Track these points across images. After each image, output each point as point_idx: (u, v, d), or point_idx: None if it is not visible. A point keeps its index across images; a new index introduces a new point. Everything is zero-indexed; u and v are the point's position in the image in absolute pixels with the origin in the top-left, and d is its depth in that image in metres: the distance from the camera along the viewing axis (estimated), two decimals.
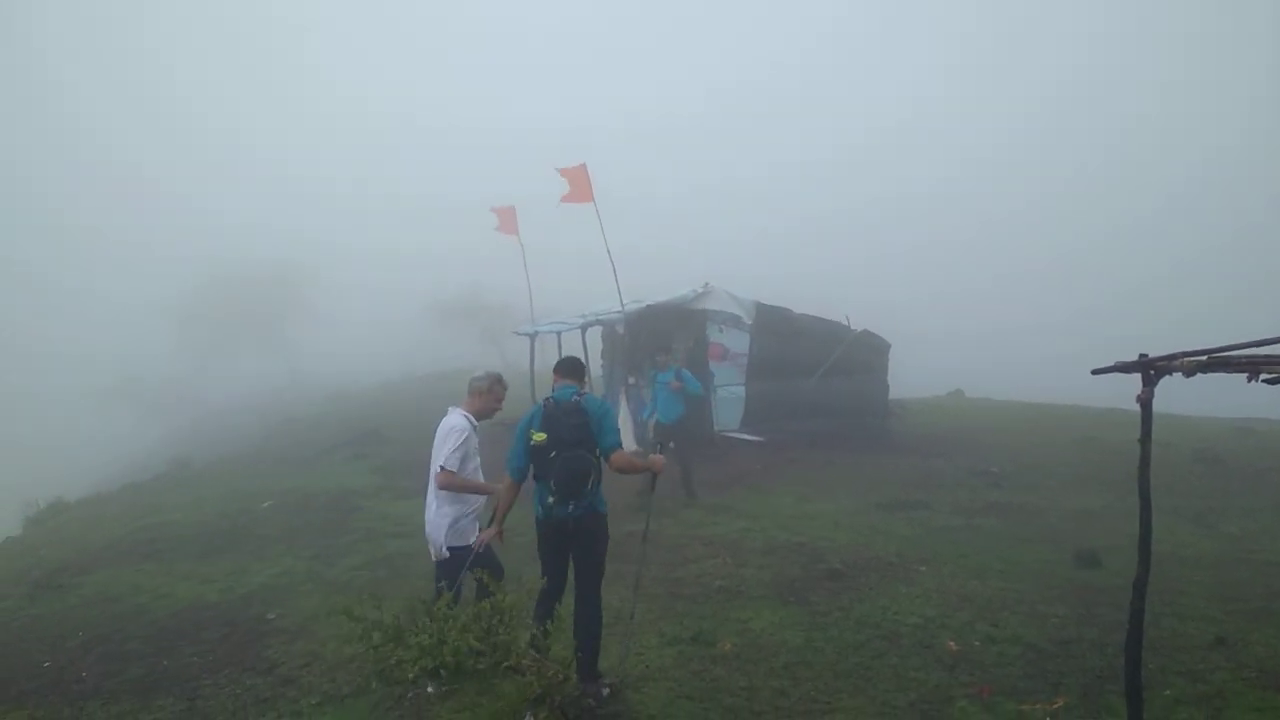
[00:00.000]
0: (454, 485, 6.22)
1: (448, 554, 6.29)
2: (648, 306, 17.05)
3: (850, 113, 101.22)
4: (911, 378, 22.00)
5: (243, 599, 9.55)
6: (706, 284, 17.02)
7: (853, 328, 17.84)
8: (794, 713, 5.50)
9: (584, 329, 18.64)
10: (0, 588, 12.20)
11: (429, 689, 4.75)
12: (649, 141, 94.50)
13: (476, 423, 6.47)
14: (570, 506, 5.57)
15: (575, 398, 5.82)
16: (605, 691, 5.56)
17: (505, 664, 4.68)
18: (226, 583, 10.26)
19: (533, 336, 20.39)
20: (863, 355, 17.77)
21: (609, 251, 16.20)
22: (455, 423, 6.37)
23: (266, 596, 9.52)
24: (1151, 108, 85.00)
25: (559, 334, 19.61)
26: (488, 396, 6.58)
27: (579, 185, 16.78)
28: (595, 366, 18.28)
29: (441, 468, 6.19)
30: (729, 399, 17.17)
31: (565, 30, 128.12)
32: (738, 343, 17.74)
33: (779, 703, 5.65)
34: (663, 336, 16.83)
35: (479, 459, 6.48)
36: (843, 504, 12.34)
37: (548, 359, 22.59)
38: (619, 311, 17.08)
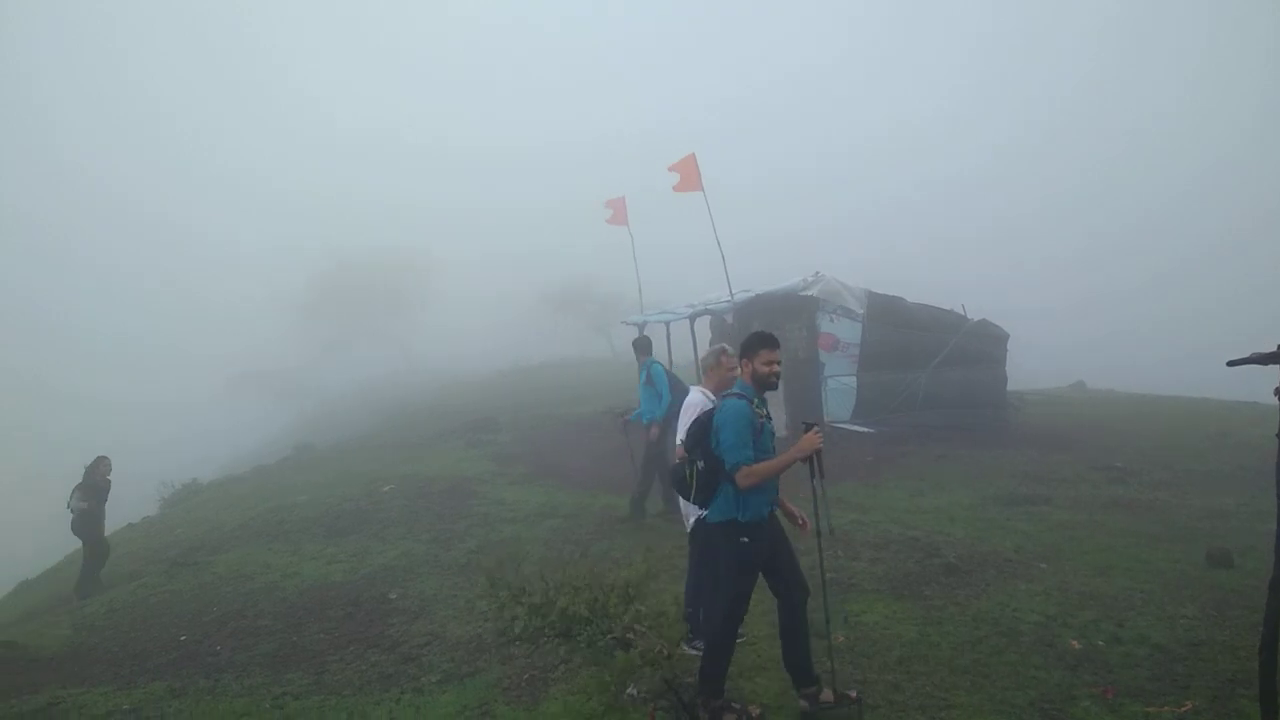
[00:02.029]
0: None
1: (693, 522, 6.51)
2: (757, 296, 16.97)
3: (876, 110, 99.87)
4: (1031, 369, 21.35)
5: (366, 579, 9.91)
6: (817, 272, 16.83)
7: (969, 317, 17.40)
8: (909, 708, 5.43)
9: (693, 319, 18.61)
10: (140, 565, 12.96)
11: (630, 691, 4.79)
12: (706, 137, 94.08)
13: (714, 397, 6.52)
14: (700, 512, 5.44)
15: (719, 400, 5.44)
16: (726, 717, 5.16)
17: (611, 635, 4.73)
18: (350, 563, 10.66)
19: (641, 326, 20.42)
20: (979, 345, 17.32)
21: (718, 240, 16.22)
22: (691, 399, 6.70)
23: (388, 577, 9.86)
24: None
25: (668, 324, 19.64)
26: (718, 369, 6.70)
27: (688, 175, 16.89)
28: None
29: (680, 443, 6.50)
30: (840, 390, 16.94)
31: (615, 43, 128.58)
32: (849, 333, 17.46)
33: (893, 697, 5.58)
34: (773, 326, 16.73)
35: None
36: (958, 498, 12.07)
37: (656, 349, 22.79)
38: (728, 301, 17.05)
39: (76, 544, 18.19)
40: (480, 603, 4.94)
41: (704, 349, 18.39)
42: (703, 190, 16.69)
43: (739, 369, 6.78)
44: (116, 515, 19.11)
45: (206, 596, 10.19)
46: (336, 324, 45.96)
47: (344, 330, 46.30)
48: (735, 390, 5.30)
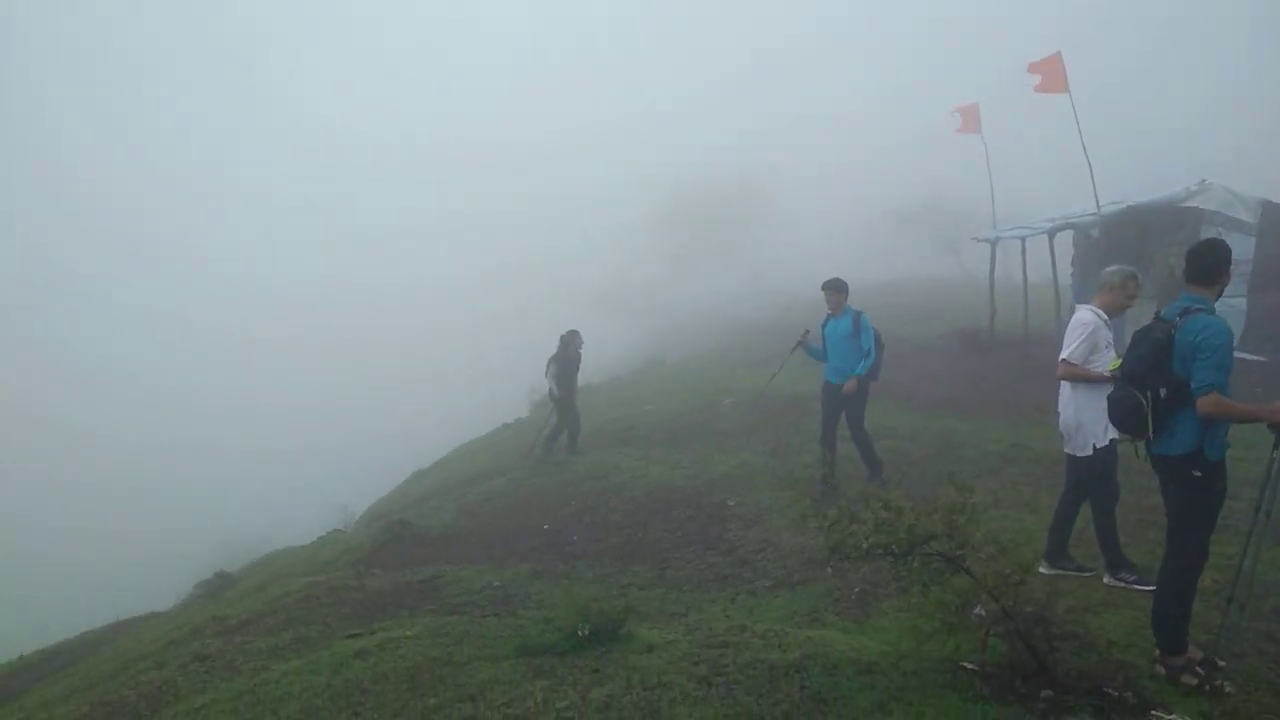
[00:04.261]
0: (1073, 375, 6.29)
1: (1091, 451, 6.29)
2: (1128, 207, 15.36)
3: None
4: None
5: (706, 485, 10.35)
6: (1203, 180, 14.89)
7: None
8: None
9: (1052, 234, 17.21)
10: (510, 460, 14.40)
11: (978, 610, 4.63)
12: None
13: (1107, 317, 6.36)
14: (1150, 443, 4.83)
15: (1179, 317, 4.76)
16: (1189, 680, 4.62)
17: (960, 551, 4.62)
18: (692, 470, 11.18)
19: (994, 243, 19.23)
20: None
21: (1084, 145, 14.87)
22: (1081, 318, 6.41)
23: (726, 484, 10.24)
24: None
25: (1023, 240, 18.32)
26: (1119, 292, 6.43)
27: (1052, 75, 15.54)
28: (1065, 275, 16.92)
29: (1062, 360, 6.31)
30: (1225, 312, 14.98)
31: None
32: (1239, 248, 15.30)
33: (1264, 646, 5.01)
34: (1147, 241, 15.13)
35: (1113, 352, 6.36)
36: None
37: (1010, 267, 21.40)
38: (1094, 214, 15.60)
39: (458, 440, 20.57)
40: (811, 521, 5.00)
41: (1064, 267, 17.05)
42: (1068, 91, 15.30)
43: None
44: (503, 413, 21.44)
45: (566, 492, 11.15)
46: (686, 245, 47.46)
47: (693, 250, 47.69)
48: (1197, 306, 4.77)
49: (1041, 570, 6.16)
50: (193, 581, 13.95)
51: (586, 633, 5.30)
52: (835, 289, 9.79)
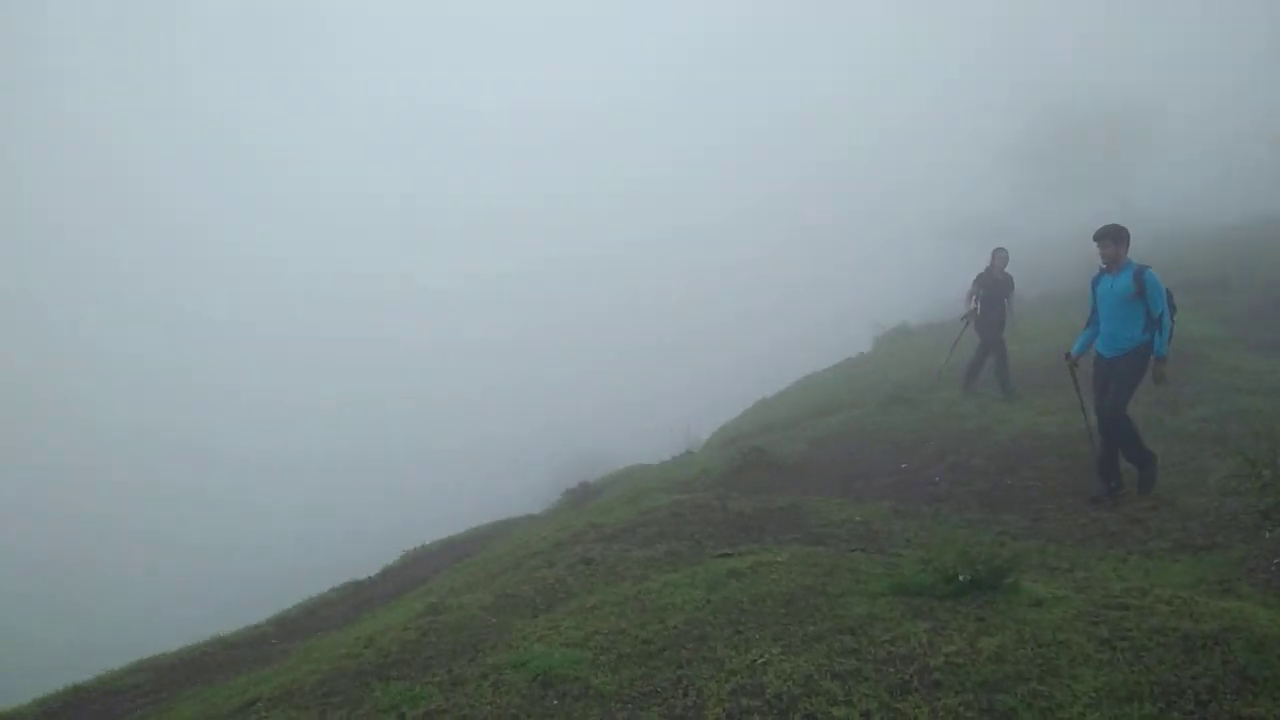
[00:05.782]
0: None
1: None
2: None
3: None
4: None
5: (1079, 434, 9.59)
6: None
7: None
8: None
9: None
10: (857, 396, 14.24)
11: None
12: None
13: None
14: None
15: None
16: None
17: None
18: (1062, 416, 10.44)
19: None
20: None
21: None
22: None
23: None
24: None
25: None
26: None
27: None
28: None
29: None
30: None
31: None
32: None
33: None
34: None
35: None
36: None
37: None
38: None
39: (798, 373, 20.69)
40: (1232, 482, 4.44)
41: None
42: None
43: None
44: (846, 347, 21.27)
45: (922, 431, 10.85)
46: (1047, 172, 43.94)
47: (1054, 178, 44.09)
48: None
49: None
50: (557, 490, 15.18)
51: (967, 579, 5.11)
52: (1113, 238, 7.67)
